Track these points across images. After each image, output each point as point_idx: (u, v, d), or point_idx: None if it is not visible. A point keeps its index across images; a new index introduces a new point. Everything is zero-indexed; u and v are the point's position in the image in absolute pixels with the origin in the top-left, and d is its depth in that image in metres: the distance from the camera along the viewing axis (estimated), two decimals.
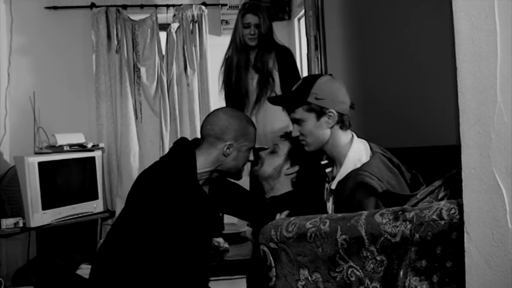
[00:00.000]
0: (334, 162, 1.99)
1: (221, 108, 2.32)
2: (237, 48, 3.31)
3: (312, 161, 2.12)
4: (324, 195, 2.09)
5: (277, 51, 3.34)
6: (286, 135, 2.23)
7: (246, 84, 3.34)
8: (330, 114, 1.91)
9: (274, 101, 2.22)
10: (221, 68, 3.47)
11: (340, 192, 1.85)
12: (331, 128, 1.92)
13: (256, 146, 2.22)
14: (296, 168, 2.16)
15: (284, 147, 2.19)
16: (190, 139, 2.18)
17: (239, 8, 3.41)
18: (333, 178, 1.97)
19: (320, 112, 1.92)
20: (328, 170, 2.06)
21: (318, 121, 1.92)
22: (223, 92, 3.46)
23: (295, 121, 1.99)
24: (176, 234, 1.94)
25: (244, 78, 3.33)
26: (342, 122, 1.93)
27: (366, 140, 1.99)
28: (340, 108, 1.92)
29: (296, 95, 1.98)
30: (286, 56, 3.36)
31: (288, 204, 1.98)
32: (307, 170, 2.14)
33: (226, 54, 3.43)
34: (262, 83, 3.28)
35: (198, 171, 2.03)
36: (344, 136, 1.95)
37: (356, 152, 1.91)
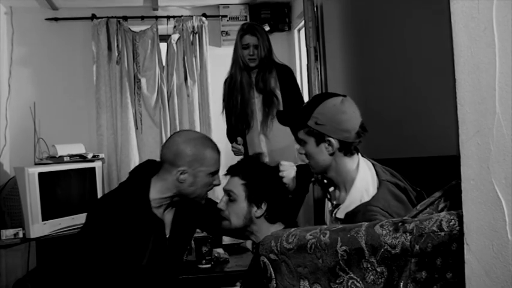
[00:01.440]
0: (338, 185, 1.88)
1: (179, 131, 2.29)
2: (240, 68, 3.34)
3: (275, 192, 1.93)
4: (325, 214, 2.04)
5: (278, 70, 3.38)
6: (230, 171, 1.99)
7: (250, 104, 3.37)
8: (329, 141, 1.80)
9: (280, 118, 2.13)
10: (224, 86, 3.48)
11: None
12: (333, 154, 1.82)
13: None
14: (264, 207, 1.90)
15: (239, 191, 1.92)
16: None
17: (239, 28, 3.43)
18: (337, 204, 1.87)
19: (319, 138, 1.81)
20: (331, 189, 1.95)
21: (317, 146, 1.82)
22: (226, 115, 3.48)
23: (299, 141, 1.91)
24: (109, 255, 1.93)
25: (248, 98, 3.36)
26: (346, 149, 1.81)
27: (372, 163, 1.89)
28: (343, 137, 1.80)
29: (299, 115, 1.87)
30: (286, 75, 3.40)
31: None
32: (277, 202, 1.92)
33: (229, 73, 3.45)
34: (266, 103, 3.32)
35: (156, 197, 1.99)
36: (349, 162, 1.83)
37: (363, 181, 1.80)
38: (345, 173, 1.83)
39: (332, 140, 1.79)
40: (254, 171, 1.94)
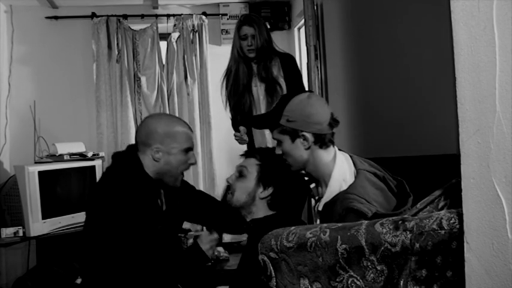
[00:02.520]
0: (319, 180, 1.92)
1: (151, 114, 2.31)
2: (236, 59, 3.35)
3: (285, 180, 2.00)
4: (313, 213, 2.05)
5: (281, 58, 3.38)
6: (247, 153, 2.09)
7: (252, 93, 3.37)
8: (304, 136, 1.84)
9: (255, 123, 2.17)
10: (222, 81, 3.48)
11: (328, 216, 1.78)
12: (309, 148, 1.86)
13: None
14: (270, 190, 1.98)
15: (252, 170, 2.01)
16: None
17: (237, 20, 3.45)
18: (319, 197, 1.91)
19: (293, 134, 1.86)
20: (312, 185, 2.00)
21: (293, 143, 1.86)
22: (228, 105, 3.47)
23: (276, 141, 1.94)
24: (137, 235, 1.90)
25: (249, 87, 3.36)
26: (321, 142, 1.86)
27: (349, 155, 1.93)
28: (316, 129, 1.84)
29: (270, 116, 1.94)
30: (290, 63, 3.40)
31: (271, 226, 1.77)
32: (283, 190, 1.99)
33: (227, 67, 3.45)
34: (270, 91, 3.32)
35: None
36: (325, 154, 1.87)
37: (340, 171, 1.84)
38: (322, 166, 1.87)
39: (306, 134, 1.84)
40: (272, 156, 1.99)
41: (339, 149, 1.94)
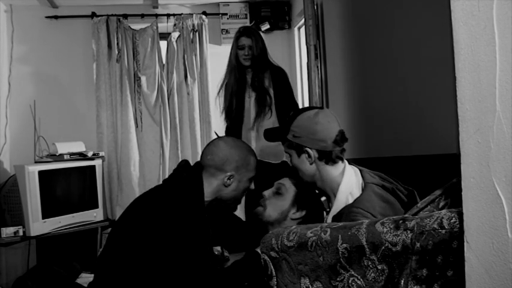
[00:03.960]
0: (328, 195, 1.94)
1: (222, 137, 2.31)
2: (232, 69, 3.54)
3: (317, 205, 2.06)
4: None
5: (272, 71, 3.55)
6: (288, 175, 2.12)
7: (245, 102, 3.54)
8: (308, 152, 1.88)
9: (266, 136, 2.20)
10: (218, 91, 3.65)
11: None
12: (313, 163, 1.89)
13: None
14: (303, 213, 2.02)
15: (290, 190, 2.05)
16: (191, 157, 2.14)
17: (236, 30, 3.67)
18: (329, 210, 1.93)
19: (299, 149, 1.90)
20: (323, 198, 2.03)
21: (299, 158, 1.91)
22: (224, 113, 3.64)
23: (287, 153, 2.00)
24: (177, 256, 1.87)
25: (242, 96, 3.53)
26: (326, 158, 1.88)
27: (359, 169, 1.94)
28: (320, 146, 1.86)
29: (279, 130, 2.01)
30: (280, 76, 3.56)
31: None
32: (314, 214, 2.03)
33: (224, 78, 3.62)
34: (260, 101, 3.49)
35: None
36: (333, 169, 1.89)
37: (347, 184, 1.85)
38: (329, 181, 1.89)
39: (309, 150, 1.88)
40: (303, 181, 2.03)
41: (349, 163, 1.95)
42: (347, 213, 1.74)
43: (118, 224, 2.03)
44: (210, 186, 2.02)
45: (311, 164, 1.89)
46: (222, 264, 2.86)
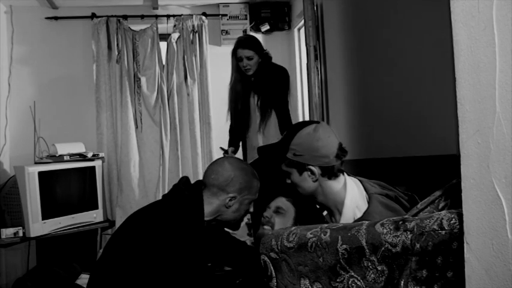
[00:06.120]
0: (331, 209, 1.91)
1: (227, 157, 2.31)
2: (237, 77, 3.59)
3: (320, 220, 2.02)
4: None
5: (274, 70, 3.57)
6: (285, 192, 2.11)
7: (249, 105, 3.59)
8: (311, 170, 1.84)
9: (261, 154, 2.18)
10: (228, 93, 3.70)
11: None
12: (316, 180, 1.85)
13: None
14: None
15: (290, 209, 2.08)
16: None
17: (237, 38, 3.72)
18: None
19: (300, 168, 1.86)
20: (324, 213, 1.99)
21: (300, 175, 1.87)
22: (229, 114, 3.70)
23: (284, 173, 1.94)
24: (172, 273, 1.86)
25: (246, 97, 3.58)
26: (329, 173, 1.85)
27: (358, 179, 1.92)
28: (323, 163, 1.83)
29: (277, 149, 1.94)
30: (280, 74, 3.57)
31: None
32: None
33: (230, 83, 3.67)
34: (263, 104, 3.51)
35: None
36: (335, 184, 1.86)
37: (352, 198, 1.83)
38: (332, 196, 1.86)
39: (312, 167, 1.84)
40: (300, 196, 2.02)
41: (348, 174, 1.93)
42: None
43: (115, 237, 2.02)
44: (211, 206, 2.02)
45: (314, 181, 1.85)
46: (221, 265, 2.86)
